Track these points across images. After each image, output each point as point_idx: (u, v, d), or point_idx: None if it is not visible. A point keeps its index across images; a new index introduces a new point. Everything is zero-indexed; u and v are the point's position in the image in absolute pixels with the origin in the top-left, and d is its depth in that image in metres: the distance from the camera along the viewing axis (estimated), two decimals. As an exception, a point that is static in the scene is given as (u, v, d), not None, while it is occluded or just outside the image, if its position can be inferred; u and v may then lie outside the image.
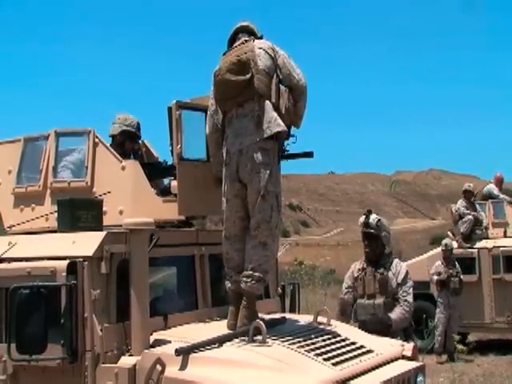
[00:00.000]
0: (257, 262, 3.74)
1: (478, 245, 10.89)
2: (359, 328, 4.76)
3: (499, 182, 12.05)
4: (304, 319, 4.27)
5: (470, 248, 10.90)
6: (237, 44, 3.98)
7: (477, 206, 11.37)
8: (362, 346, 3.81)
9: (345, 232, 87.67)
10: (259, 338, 3.54)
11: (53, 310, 3.48)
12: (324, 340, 3.74)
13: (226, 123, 3.91)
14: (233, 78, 3.76)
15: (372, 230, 5.10)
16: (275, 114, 3.78)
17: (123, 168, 4.21)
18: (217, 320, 4.17)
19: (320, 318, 4.16)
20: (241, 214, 3.87)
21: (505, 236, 11.20)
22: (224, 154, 3.89)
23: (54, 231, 4.02)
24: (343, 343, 3.78)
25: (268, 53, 3.86)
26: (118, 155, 4.31)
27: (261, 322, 3.58)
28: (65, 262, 3.55)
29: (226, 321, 3.88)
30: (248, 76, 3.75)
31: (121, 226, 3.67)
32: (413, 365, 3.84)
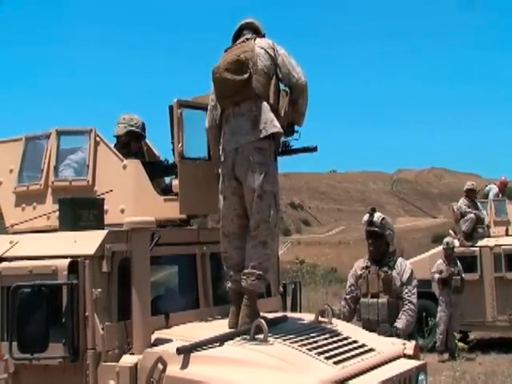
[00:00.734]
0: (257, 261, 3.74)
1: (480, 243, 10.89)
2: (363, 327, 4.76)
3: (503, 186, 12.05)
4: (305, 318, 4.27)
5: (471, 246, 10.90)
6: (239, 41, 3.97)
7: (478, 204, 11.36)
8: (363, 345, 3.81)
9: (346, 230, 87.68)
10: (260, 336, 3.54)
11: (54, 308, 3.48)
12: (325, 339, 3.74)
13: (223, 120, 3.91)
14: (230, 77, 3.75)
15: (376, 229, 5.09)
16: (272, 115, 3.77)
17: (124, 167, 4.21)
18: (218, 319, 4.17)
19: (321, 317, 4.16)
20: (238, 211, 3.86)
21: (506, 234, 11.20)
22: (220, 151, 3.90)
23: (56, 230, 4.02)
24: (345, 342, 3.78)
25: (268, 52, 3.84)
26: (119, 154, 4.31)
27: (262, 321, 3.58)
28: (66, 261, 3.55)
29: (227, 320, 3.88)
30: (246, 76, 3.74)
31: (122, 224, 3.68)
32: (414, 363, 3.84)
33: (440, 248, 10.74)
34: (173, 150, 4.22)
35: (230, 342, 3.54)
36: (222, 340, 3.52)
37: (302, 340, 3.62)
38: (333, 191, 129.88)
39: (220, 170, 3.93)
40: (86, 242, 3.65)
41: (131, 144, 4.67)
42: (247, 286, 3.75)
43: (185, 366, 3.31)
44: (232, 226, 3.87)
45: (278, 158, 4.04)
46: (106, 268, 3.59)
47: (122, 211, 4.11)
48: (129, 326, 3.57)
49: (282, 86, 3.91)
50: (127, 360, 3.48)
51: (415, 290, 5.01)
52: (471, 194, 11.29)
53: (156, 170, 4.58)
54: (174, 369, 3.32)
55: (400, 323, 4.87)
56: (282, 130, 3.80)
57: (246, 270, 3.76)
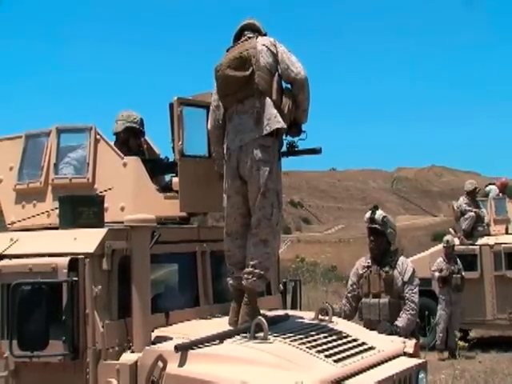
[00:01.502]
0: (258, 259, 3.74)
1: (480, 242, 10.89)
2: (364, 326, 4.75)
3: (503, 187, 12.04)
4: (306, 316, 4.27)
5: (471, 245, 10.90)
6: (241, 40, 3.97)
7: (479, 202, 11.36)
8: (363, 343, 3.81)
9: (346, 229, 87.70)
10: (261, 334, 3.54)
11: (54, 306, 3.48)
12: (326, 337, 3.74)
13: (226, 119, 3.90)
14: (233, 73, 3.76)
15: (377, 226, 5.08)
16: (275, 111, 3.77)
17: (125, 164, 4.21)
18: (218, 317, 4.17)
19: (321, 315, 4.16)
20: (242, 210, 3.86)
21: (506, 233, 11.20)
22: (225, 151, 3.89)
23: (56, 228, 4.02)
24: (345, 340, 3.78)
25: (270, 50, 3.84)
26: (119, 152, 4.31)
27: (262, 319, 3.58)
28: (66, 259, 3.55)
29: (227, 317, 3.88)
30: (248, 72, 3.74)
31: (122, 222, 3.67)
32: (414, 362, 3.84)
33: (440, 246, 10.74)
34: (173, 148, 4.21)
35: (231, 339, 3.54)
36: (222, 338, 3.52)
37: (302, 338, 3.62)
38: (333, 189, 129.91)
39: (224, 169, 3.92)
40: (86, 239, 3.65)
41: (130, 140, 4.66)
42: (247, 284, 3.75)
43: (185, 363, 3.31)
44: (235, 225, 3.88)
45: (283, 158, 4.04)
46: (106, 266, 3.59)
47: (122, 209, 4.11)
48: (129, 323, 3.56)
49: (284, 85, 3.90)
50: (127, 358, 3.47)
51: (417, 289, 5.00)
52: (472, 194, 11.29)
53: (156, 168, 4.58)
54: (174, 367, 3.31)
55: (400, 322, 4.87)
56: (285, 126, 3.79)
57: (246, 269, 3.76)
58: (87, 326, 3.53)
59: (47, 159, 4.33)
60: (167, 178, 4.73)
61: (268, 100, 3.78)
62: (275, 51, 3.85)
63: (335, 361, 3.45)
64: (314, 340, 3.64)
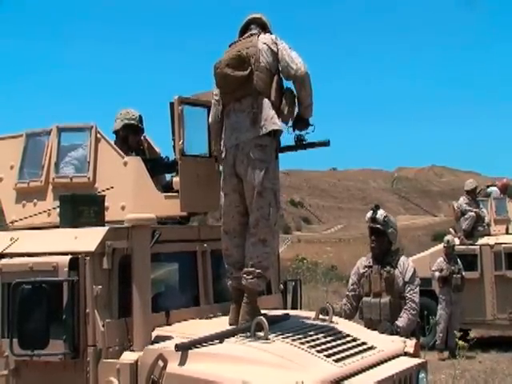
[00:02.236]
0: (257, 259, 3.73)
1: (480, 241, 10.88)
2: (365, 326, 4.75)
3: (504, 188, 12.03)
4: (306, 316, 4.27)
5: (471, 245, 10.89)
6: (244, 36, 3.96)
7: (479, 202, 11.35)
8: (363, 343, 3.81)
9: (346, 228, 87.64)
10: (261, 334, 3.54)
11: (55, 305, 3.48)
12: (326, 337, 3.73)
13: (224, 115, 3.90)
14: (231, 72, 3.74)
15: (378, 226, 5.08)
16: (272, 112, 3.75)
17: (125, 164, 4.21)
18: (219, 316, 4.17)
19: (322, 315, 4.16)
20: (239, 208, 3.85)
21: (507, 233, 11.20)
22: (222, 147, 3.89)
23: (56, 226, 4.02)
24: (345, 340, 3.78)
25: (271, 48, 3.82)
26: (120, 151, 4.31)
27: (263, 319, 3.58)
28: (67, 258, 3.55)
29: (227, 317, 3.88)
30: (246, 72, 3.73)
31: (123, 221, 3.67)
32: (415, 361, 3.84)
33: (440, 246, 10.73)
34: (173, 147, 4.21)
35: (231, 339, 3.54)
36: (222, 337, 3.52)
37: (302, 338, 3.61)
38: (333, 189, 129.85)
39: (221, 167, 3.92)
40: (87, 238, 3.65)
41: (129, 138, 4.66)
42: (247, 284, 3.75)
43: (185, 363, 3.31)
44: (233, 224, 3.87)
45: (291, 153, 4.03)
46: (107, 265, 3.59)
47: (123, 208, 4.11)
48: (129, 322, 3.56)
49: (287, 84, 3.88)
50: (128, 357, 3.48)
51: (417, 289, 4.99)
52: (472, 194, 11.29)
53: (157, 167, 4.58)
54: (174, 366, 3.31)
55: (401, 322, 4.86)
56: (281, 128, 3.78)
57: (245, 269, 3.76)
58: (88, 325, 3.54)
59: (48, 158, 4.33)
60: (168, 177, 4.74)
61: (266, 100, 3.76)
62: (276, 49, 3.82)
63: (335, 360, 3.45)
64: (315, 340, 3.64)
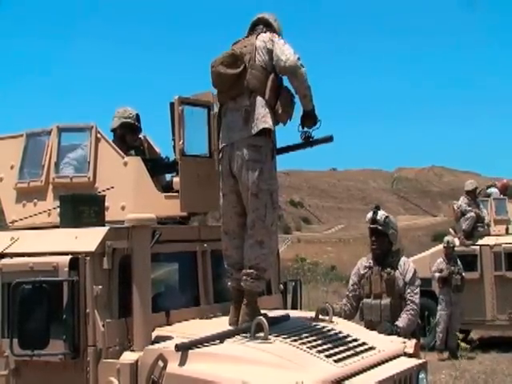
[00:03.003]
0: (255, 261, 3.72)
1: (480, 242, 10.88)
2: (365, 327, 4.74)
3: (504, 189, 12.02)
4: (306, 316, 4.27)
5: (471, 245, 10.89)
6: (245, 36, 3.97)
7: (479, 202, 11.35)
8: (363, 343, 3.81)
9: (346, 229, 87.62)
10: (261, 334, 3.54)
11: (55, 305, 3.48)
12: (326, 337, 3.74)
13: (222, 115, 3.89)
14: (224, 70, 3.72)
15: (379, 227, 5.07)
16: (264, 111, 3.71)
17: (125, 164, 4.21)
18: (219, 316, 4.17)
19: (322, 315, 4.16)
20: (237, 209, 3.83)
21: (507, 233, 11.20)
22: (219, 147, 3.88)
23: (57, 226, 4.02)
24: (345, 340, 3.78)
25: (267, 47, 3.80)
26: (120, 151, 4.31)
27: (263, 319, 3.58)
28: (67, 258, 3.55)
29: (227, 317, 3.88)
30: (239, 70, 3.71)
31: (123, 221, 3.67)
32: (415, 362, 3.84)
33: (440, 247, 10.73)
34: (174, 147, 4.21)
35: (231, 339, 3.54)
36: (222, 338, 3.52)
37: (302, 338, 3.62)
38: (333, 189, 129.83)
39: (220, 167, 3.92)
40: (87, 238, 3.65)
41: (127, 136, 4.66)
42: (246, 286, 3.75)
43: (185, 363, 3.31)
44: (232, 224, 3.85)
45: (285, 154, 4.01)
46: (107, 265, 3.59)
47: (123, 208, 4.11)
48: (129, 322, 3.57)
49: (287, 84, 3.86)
50: (128, 357, 3.48)
51: (418, 290, 4.98)
52: (472, 194, 11.29)
53: (157, 167, 4.58)
54: (174, 366, 3.31)
55: (401, 322, 4.86)
56: (272, 127, 3.73)
57: (244, 271, 3.75)
58: (88, 325, 3.54)
59: (48, 158, 4.33)
60: (168, 177, 4.74)
61: (259, 99, 3.73)
62: (271, 47, 3.79)
63: (335, 361, 3.45)
64: (315, 340, 3.64)
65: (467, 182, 11.65)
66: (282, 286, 4.97)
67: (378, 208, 5.19)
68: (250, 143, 3.70)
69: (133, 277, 3.53)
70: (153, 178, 4.31)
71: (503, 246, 10.63)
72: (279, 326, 3.79)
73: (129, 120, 4.70)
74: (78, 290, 3.53)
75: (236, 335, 3.59)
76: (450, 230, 11.65)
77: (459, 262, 10.24)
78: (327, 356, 3.47)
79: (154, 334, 3.61)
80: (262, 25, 3.98)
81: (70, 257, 3.55)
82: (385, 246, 5.08)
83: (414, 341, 4.12)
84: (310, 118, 3.85)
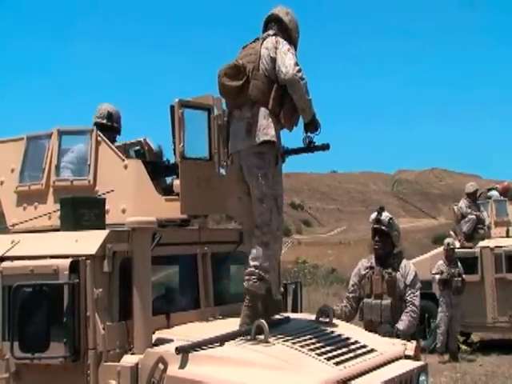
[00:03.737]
0: (259, 261, 3.76)
1: (481, 244, 10.88)
2: (365, 327, 4.74)
3: (505, 191, 12.02)
4: (306, 318, 4.27)
5: (472, 247, 10.88)
6: (251, 41, 4.00)
7: (479, 205, 11.36)
8: (364, 346, 3.81)
9: (347, 231, 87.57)
10: (261, 337, 3.54)
11: (55, 308, 3.48)
12: (326, 339, 3.74)
13: (230, 122, 3.96)
14: (228, 82, 3.79)
15: (383, 227, 5.09)
16: (266, 122, 3.76)
17: (126, 167, 4.22)
18: (219, 319, 4.17)
19: (322, 317, 4.16)
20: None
21: (507, 235, 11.18)
22: (228, 154, 3.96)
23: (57, 230, 4.02)
24: (346, 342, 3.78)
25: (271, 55, 3.81)
26: (120, 154, 4.32)
27: (263, 321, 3.58)
28: (67, 261, 3.55)
29: (228, 320, 3.89)
30: (240, 82, 3.77)
31: (123, 224, 3.68)
32: (415, 364, 3.84)
33: (441, 249, 10.72)
34: (174, 150, 4.22)
35: (231, 342, 3.54)
36: (222, 340, 3.52)
37: (303, 340, 3.62)
38: (333, 192, 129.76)
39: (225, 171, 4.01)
40: (88, 241, 3.65)
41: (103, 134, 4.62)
42: (248, 286, 3.77)
43: (186, 365, 3.31)
44: (251, 225, 3.91)
45: (302, 155, 4.07)
46: (108, 268, 3.60)
47: (124, 211, 4.11)
48: (130, 325, 3.57)
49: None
50: (128, 360, 3.48)
51: (418, 293, 4.99)
52: (472, 197, 11.29)
53: (157, 170, 4.59)
54: (174, 369, 3.32)
55: (401, 325, 4.86)
56: (273, 139, 3.76)
57: (247, 270, 3.77)
58: (88, 327, 3.54)
59: (48, 161, 4.34)
60: (168, 180, 4.74)
61: (262, 110, 3.78)
62: (274, 55, 3.79)
63: (336, 363, 3.45)
64: (315, 342, 3.64)
65: (468, 185, 11.65)
66: (282, 288, 4.97)
67: (382, 209, 5.23)
68: (254, 151, 3.78)
69: (133, 280, 3.53)
70: (153, 181, 4.32)
71: (504, 248, 10.62)
72: (279, 329, 3.79)
73: (99, 120, 4.72)
74: (79, 293, 3.53)
75: (236, 338, 3.59)
76: (451, 232, 11.65)
77: (460, 264, 10.24)
78: (327, 358, 3.47)
79: (155, 337, 3.61)
80: (273, 23, 3.98)
81: (70, 260, 3.55)
82: (387, 247, 5.09)
83: (414, 343, 4.13)
84: (312, 125, 3.90)
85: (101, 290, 3.56)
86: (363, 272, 5.11)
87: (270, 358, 3.35)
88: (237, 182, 3.91)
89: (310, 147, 4.00)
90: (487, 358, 10.10)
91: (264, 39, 3.90)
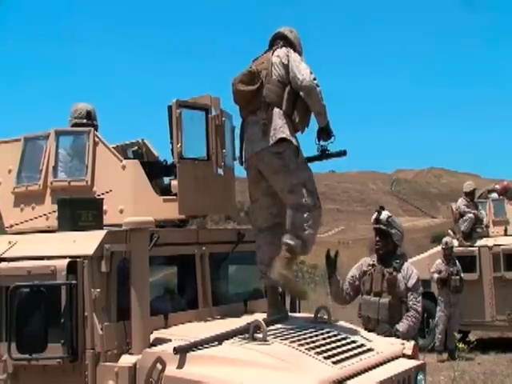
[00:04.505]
0: (295, 223, 3.88)
1: (479, 243, 10.88)
2: (362, 324, 4.74)
3: (504, 191, 12.02)
4: (304, 317, 4.27)
5: (470, 246, 10.89)
6: (263, 52, 4.20)
7: (477, 204, 11.37)
8: (362, 345, 3.81)
9: (346, 231, 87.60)
10: (259, 336, 3.54)
11: (53, 309, 3.48)
12: (324, 338, 3.74)
13: (244, 129, 4.12)
14: (243, 87, 3.98)
15: (382, 226, 5.08)
16: (281, 122, 3.94)
17: (123, 167, 4.22)
18: (217, 319, 4.17)
19: (320, 317, 4.16)
20: (272, 209, 4.08)
21: (505, 234, 11.18)
22: (243, 159, 4.12)
23: (55, 230, 4.02)
24: (343, 341, 3.78)
25: (283, 61, 4.03)
26: (118, 154, 4.31)
27: (261, 320, 3.58)
28: (65, 261, 3.55)
29: (226, 320, 3.90)
30: (255, 86, 3.96)
31: (121, 225, 3.68)
32: (413, 363, 3.84)
33: (439, 248, 10.73)
34: (172, 151, 4.22)
35: (229, 341, 3.54)
36: (220, 339, 3.52)
37: (300, 339, 3.62)
38: (332, 191, 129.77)
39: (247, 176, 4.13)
40: (85, 242, 3.65)
41: None
42: (288, 247, 3.86)
43: (184, 365, 3.31)
44: (265, 224, 4.09)
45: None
46: (105, 268, 3.60)
47: (121, 211, 4.11)
48: (128, 326, 3.57)
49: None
50: (126, 360, 3.48)
51: (420, 298, 4.96)
52: (470, 196, 11.30)
53: (155, 171, 4.59)
54: (172, 369, 3.32)
55: (401, 326, 4.83)
56: (289, 137, 3.94)
57: (286, 235, 3.87)
58: (86, 328, 3.54)
59: (46, 162, 4.34)
60: (166, 180, 4.74)
61: (276, 111, 3.96)
62: (286, 62, 4.02)
63: (334, 362, 3.45)
64: (313, 341, 3.64)
65: (466, 184, 11.66)
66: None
67: (382, 208, 5.23)
68: (273, 151, 3.92)
69: (131, 280, 3.53)
70: (151, 182, 4.32)
71: (502, 247, 10.63)
72: (278, 328, 3.79)
73: (79, 120, 4.66)
74: (76, 294, 3.53)
75: (234, 337, 3.59)
76: (449, 231, 11.65)
77: (458, 263, 10.24)
78: (326, 357, 3.47)
79: (153, 337, 3.61)
80: (279, 39, 4.23)
81: (68, 260, 3.55)
82: (389, 246, 5.06)
83: (412, 342, 4.13)
84: (325, 133, 4.12)
85: (98, 290, 3.56)
86: (365, 268, 5.09)
87: (268, 357, 3.35)
88: (253, 185, 4.10)
89: (326, 154, 4.22)
90: (486, 356, 10.11)
91: (274, 50, 4.12)
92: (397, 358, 3.89)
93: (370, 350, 3.78)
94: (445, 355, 9.95)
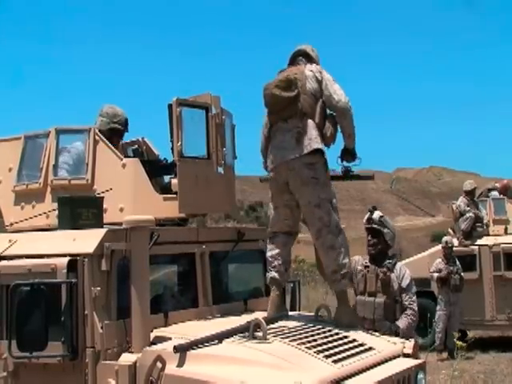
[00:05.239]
0: (332, 266, 4.03)
1: (479, 242, 10.88)
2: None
3: (505, 190, 12.01)
4: (305, 316, 4.27)
5: (470, 245, 10.89)
6: (287, 67, 4.24)
7: (478, 203, 11.36)
8: (362, 344, 3.81)
9: (346, 229, 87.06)
10: (260, 334, 3.54)
11: (53, 307, 3.48)
12: (324, 337, 3.74)
13: (271, 135, 4.12)
14: (279, 93, 3.99)
15: (374, 226, 5.08)
16: (316, 132, 3.98)
17: (124, 166, 4.22)
18: (217, 317, 4.17)
19: (320, 316, 4.16)
20: (288, 222, 4.17)
21: (505, 233, 11.19)
22: (269, 166, 4.11)
23: (55, 229, 4.02)
24: (343, 340, 3.78)
25: (316, 76, 4.07)
26: (118, 153, 4.31)
27: (261, 319, 3.58)
28: (65, 260, 3.55)
29: (227, 318, 3.89)
30: (294, 93, 3.98)
31: (121, 223, 3.68)
32: (413, 362, 3.84)
33: (439, 247, 10.72)
34: (172, 149, 4.22)
35: (229, 340, 3.55)
36: (220, 338, 3.53)
37: (301, 338, 3.62)
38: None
39: (269, 182, 4.17)
40: (85, 240, 3.65)
41: (113, 139, 4.60)
42: (338, 289, 4.13)
43: (184, 364, 3.31)
44: (282, 231, 4.20)
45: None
46: (105, 266, 3.60)
47: (122, 210, 4.12)
48: (128, 324, 3.57)
49: (328, 111, 4.12)
50: (126, 358, 3.48)
51: (415, 298, 5.00)
52: (471, 195, 11.30)
53: (155, 169, 4.59)
54: (173, 367, 3.32)
55: (401, 323, 4.84)
56: (324, 148, 3.99)
57: (330, 277, 4.09)
58: (86, 326, 3.54)
59: (46, 160, 4.34)
60: (166, 179, 4.74)
61: (310, 121, 4.00)
62: (320, 78, 4.07)
63: (334, 361, 3.45)
64: (313, 340, 3.64)
65: (466, 183, 11.65)
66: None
67: (374, 208, 5.23)
68: (305, 162, 3.95)
69: (131, 278, 3.53)
70: (151, 180, 4.32)
71: (502, 246, 10.63)
72: (278, 326, 3.79)
73: (119, 126, 4.66)
74: (77, 292, 3.54)
75: (234, 336, 3.60)
76: (449, 230, 11.65)
77: (458, 262, 10.24)
78: (326, 356, 3.47)
79: (153, 336, 3.61)
80: (301, 56, 4.27)
81: (68, 258, 3.55)
82: (380, 244, 5.07)
83: (412, 341, 4.13)
84: (349, 155, 4.20)
85: (99, 288, 3.56)
86: (359, 267, 5.10)
87: (268, 355, 3.35)
88: (276, 193, 4.12)
89: (352, 175, 4.33)
90: (486, 355, 10.11)
91: (305, 64, 4.17)
92: (397, 357, 3.89)
93: (370, 348, 3.78)
94: (445, 354, 9.95)
